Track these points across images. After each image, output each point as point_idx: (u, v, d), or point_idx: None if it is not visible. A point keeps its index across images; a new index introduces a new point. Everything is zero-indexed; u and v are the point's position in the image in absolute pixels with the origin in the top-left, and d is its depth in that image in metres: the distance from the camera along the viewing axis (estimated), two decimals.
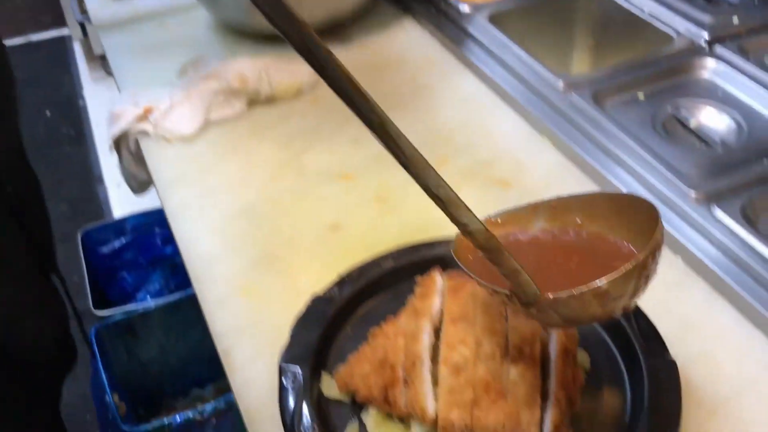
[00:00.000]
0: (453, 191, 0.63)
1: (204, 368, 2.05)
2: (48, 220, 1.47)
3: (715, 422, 0.79)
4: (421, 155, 0.60)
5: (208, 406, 1.70)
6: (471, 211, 0.64)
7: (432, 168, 0.61)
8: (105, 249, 2.23)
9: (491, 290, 0.70)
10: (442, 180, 0.62)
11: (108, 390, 1.75)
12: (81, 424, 2.22)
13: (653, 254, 0.65)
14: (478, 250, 0.66)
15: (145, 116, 1.22)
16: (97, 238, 2.22)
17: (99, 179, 3.14)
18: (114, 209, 2.98)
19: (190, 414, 1.69)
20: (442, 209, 0.64)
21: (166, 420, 1.69)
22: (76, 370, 2.23)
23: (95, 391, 1.86)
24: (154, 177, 1.17)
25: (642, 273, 0.65)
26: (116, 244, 2.23)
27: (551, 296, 0.64)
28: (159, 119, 1.21)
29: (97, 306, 2.01)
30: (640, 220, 0.68)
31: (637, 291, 0.66)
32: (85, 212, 2.96)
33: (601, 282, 0.62)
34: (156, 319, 1.99)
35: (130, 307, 1.99)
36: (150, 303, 2.02)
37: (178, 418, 1.69)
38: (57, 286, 1.56)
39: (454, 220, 0.64)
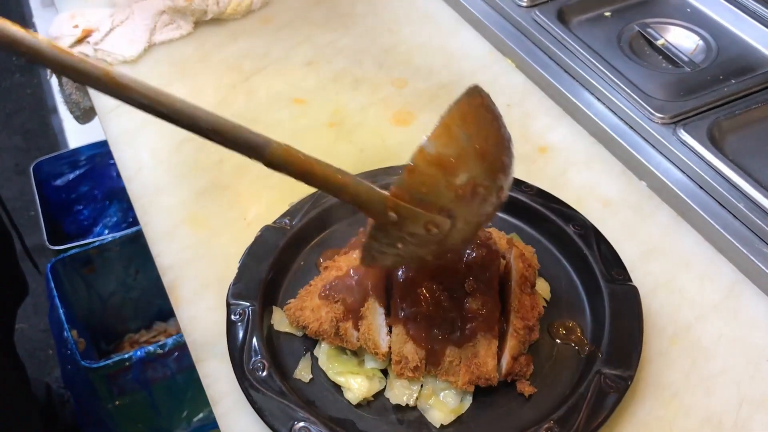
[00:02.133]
0: (225, 119, 0.57)
1: (166, 301, 2.00)
2: None
3: (677, 348, 0.77)
4: (171, 95, 0.56)
5: (169, 340, 1.67)
6: (257, 134, 0.58)
7: (191, 104, 0.57)
8: (59, 182, 2.15)
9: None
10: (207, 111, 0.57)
11: (66, 326, 1.71)
12: (43, 360, 2.19)
13: (472, 105, 0.60)
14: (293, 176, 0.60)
15: (84, 38, 1.14)
16: (50, 170, 2.14)
17: (53, 110, 3.02)
18: (70, 141, 2.87)
19: (150, 348, 1.65)
20: (224, 143, 0.58)
21: (126, 355, 1.66)
22: (38, 305, 2.19)
23: (54, 327, 1.81)
24: (95, 103, 1.10)
25: (468, 126, 0.59)
26: (70, 176, 2.15)
27: (395, 189, 0.59)
28: (99, 41, 1.13)
29: (53, 241, 1.95)
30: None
31: (490, 163, 0.60)
32: (39, 145, 2.85)
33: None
34: (114, 253, 1.93)
35: (86, 240, 1.93)
36: (107, 236, 1.96)
37: (138, 353, 1.66)
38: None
39: (247, 149, 0.59)
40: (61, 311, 1.74)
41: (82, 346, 1.78)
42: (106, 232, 2.17)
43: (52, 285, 1.79)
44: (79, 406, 1.84)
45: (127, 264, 1.96)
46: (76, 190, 2.18)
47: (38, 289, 1.98)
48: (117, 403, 1.72)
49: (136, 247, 1.91)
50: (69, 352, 1.69)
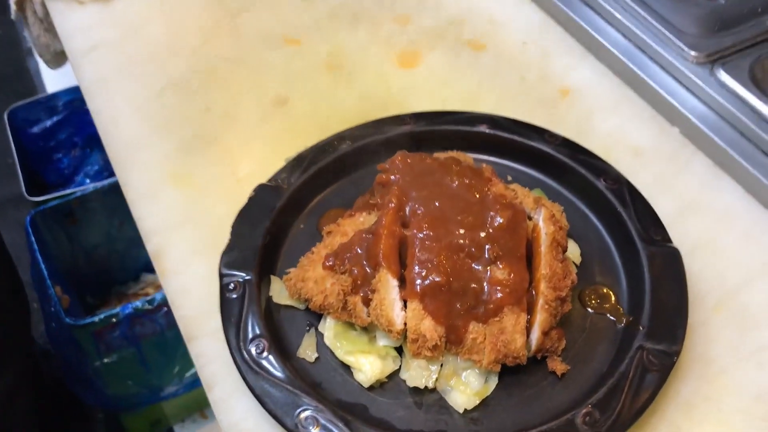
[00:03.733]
0: None
1: None
2: None
3: (721, 317, 0.69)
4: None
5: (158, 295, 1.59)
6: None
7: None
8: (36, 129, 2.03)
9: None
10: None
11: (48, 282, 1.62)
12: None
13: None
14: None
15: None
16: (27, 117, 2.02)
17: (29, 52, 2.86)
18: (47, 85, 2.73)
19: (138, 304, 1.58)
20: None
21: (113, 311, 1.58)
22: (20, 259, 2.09)
23: (36, 282, 1.73)
24: (66, 46, 0.99)
25: None
26: (48, 123, 2.03)
27: None
28: None
29: (32, 192, 1.85)
30: None
31: None
32: (14, 89, 2.71)
33: None
34: (97, 203, 1.83)
35: (67, 191, 1.83)
36: (89, 185, 1.86)
37: (126, 309, 1.58)
38: None
39: None
40: (42, 266, 1.65)
41: (66, 303, 1.70)
42: (88, 181, 2.06)
43: (33, 238, 1.70)
44: (66, 364, 1.77)
45: (111, 215, 1.86)
46: (55, 137, 2.06)
47: (18, 241, 1.89)
48: (105, 360, 1.65)
49: (120, 197, 1.78)
50: (53, 309, 1.61)
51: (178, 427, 1.85)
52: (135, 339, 1.64)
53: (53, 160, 2.07)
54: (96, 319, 1.57)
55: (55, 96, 2.06)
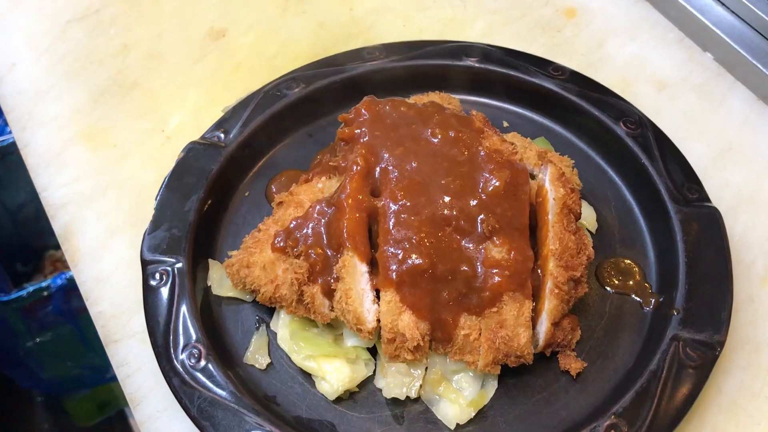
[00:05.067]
0: None
1: None
2: None
3: None
4: None
5: None
6: None
7: None
8: None
9: None
10: None
11: None
12: None
13: None
14: None
15: None
16: None
17: None
18: None
19: (71, 273, 1.50)
20: None
21: (44, 283, 1.50)
22: None
23: None
24: None
25: None
26: None
27: None
28: None
29: None
30: None
31: None
32: None
33: None
34: (20, 156, 1.73)
35: None
36: (9, 136, 1.75)
37: (58, 280, 1.50)
38: None
39: None
40: None
41: None
42: (9, 130, 1.95)
43: None
44: None
45: None
46: None
47: None
48: (38, 339, 1.58)
49: None
50: None
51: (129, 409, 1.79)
52: (71, 314, 1.57)
53: None
54: (24, 293, 1.50)
55: None
